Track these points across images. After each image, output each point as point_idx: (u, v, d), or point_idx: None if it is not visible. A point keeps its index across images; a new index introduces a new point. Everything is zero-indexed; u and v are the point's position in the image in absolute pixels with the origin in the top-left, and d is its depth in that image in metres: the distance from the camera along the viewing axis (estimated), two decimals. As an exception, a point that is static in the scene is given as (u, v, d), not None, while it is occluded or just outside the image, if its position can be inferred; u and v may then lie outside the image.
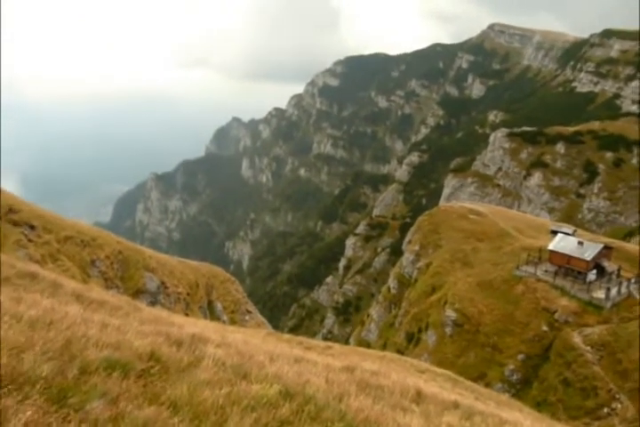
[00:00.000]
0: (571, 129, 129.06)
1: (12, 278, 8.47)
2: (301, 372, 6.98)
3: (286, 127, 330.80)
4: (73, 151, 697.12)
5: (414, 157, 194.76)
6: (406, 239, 78.48)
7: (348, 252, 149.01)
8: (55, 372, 3.81)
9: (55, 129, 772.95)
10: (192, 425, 3.84)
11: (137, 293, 38.34)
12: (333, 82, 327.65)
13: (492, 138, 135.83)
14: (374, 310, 76.72)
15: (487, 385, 38.40)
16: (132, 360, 4.60)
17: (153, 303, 36.67)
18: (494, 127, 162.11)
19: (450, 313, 50.34)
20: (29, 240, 33.98)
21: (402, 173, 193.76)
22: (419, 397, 8.03)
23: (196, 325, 13.21)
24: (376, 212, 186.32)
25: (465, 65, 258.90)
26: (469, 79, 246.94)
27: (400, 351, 49.97)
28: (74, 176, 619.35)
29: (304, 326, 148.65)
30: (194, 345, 6.08)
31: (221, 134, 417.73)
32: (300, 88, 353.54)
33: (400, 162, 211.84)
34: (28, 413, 3.04)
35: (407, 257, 72.11)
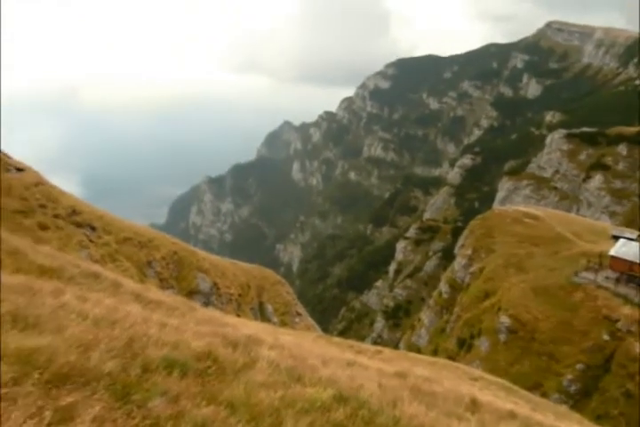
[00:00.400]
0: (633, 129, 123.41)
1: (77, 278, 8.84)
2: (354, 376, 6.96)
3: (337, 130, 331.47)
4: (130, 154, 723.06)
5: (467, 160, 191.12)
6: (458, 243, 77.06)
7: (399, 255, 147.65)
8: (119, 369, 3.95)
9: (113, 132, 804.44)
10: (249, 426, 3.90)
11: (190, 293, 39.25)
12: (384, 84, 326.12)
13: (548, 139, 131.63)
14: (425, 315, 75.68)
15: (543, 395, 37.14)
16: (190, 360, 4.71)
17: (206, 304, 37.46)
18: (551, 128, 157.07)
19: (503, 319, 49.03)
20: (90, 241, 35.38)
21: (454, 175, 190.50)
22: (473, 405, 7.86)
23: (248, 326, 13.39)
24: (427, 215, 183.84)
25: (520, 64, 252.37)
26: (525, 79, 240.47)
27: (451, 357, 49.03)
28: (131, 178, 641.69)
29: (353, 329, 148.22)
30: (248, 346, 6.16)
31: (273, 138, 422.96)
32: (350, 91, 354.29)
33: (452, 165, 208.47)
34: (97, 408, 3.17)
35: (459, 261, 70.77)
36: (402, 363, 16.11)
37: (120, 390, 3.65)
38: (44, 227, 31.19)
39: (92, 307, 5.60)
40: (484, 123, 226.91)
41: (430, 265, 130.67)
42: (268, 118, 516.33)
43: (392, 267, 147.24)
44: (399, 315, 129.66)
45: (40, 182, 36.88)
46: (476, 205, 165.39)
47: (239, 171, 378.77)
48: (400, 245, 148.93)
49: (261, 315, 48.43)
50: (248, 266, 57.39)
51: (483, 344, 50.77)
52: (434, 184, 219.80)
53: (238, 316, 38.78)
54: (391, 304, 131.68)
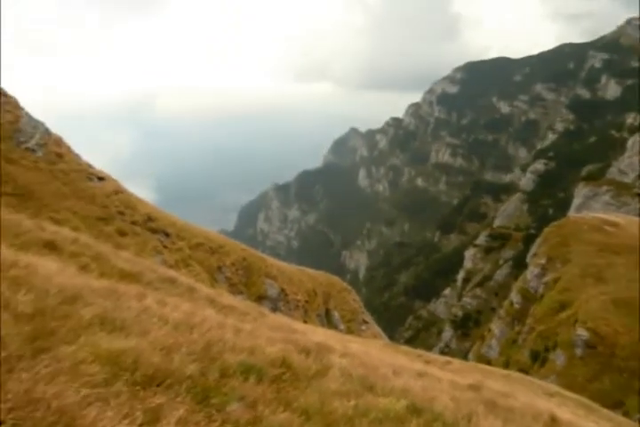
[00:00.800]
0: None
1: (155, 282, 9.23)
2: (426, 387, 6.84)
3: (403, 136, 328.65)
4: (200, 161, 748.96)
5: (540, 165, 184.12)
6: (531, 252, 74.18)
7: (468, 263, 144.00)
8: (199, 373, 4.08)
9: (184, 139, 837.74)
10: (324, 434, 3.92)
11: (259, 298, 39.97)
12: (452, 89, 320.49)
13: (630, 142, 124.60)
14: (495, 326, 73.23)
15: (625, 415, 34.96)
16: (265, 366, 4.79)
17: (273, 310, 38.02)
18: (632, 131, 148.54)
19: (581, 333, 46.64)
20: (164, 246, 36.81)
21: (526, 181, 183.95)
22: (553, 423, 7.52)
23: (316, 333, 13.47)
24: (497, 222, 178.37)
25: (598, 64, 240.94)
26: (603, 79, 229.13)
27: (524, 371, 47.10)
28: (201, 185, 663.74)
29: (420, 338, 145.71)
30: (320, 354, 6.20)
31: (339, 145, 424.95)
32: (417, 97, 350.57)
33: (524, 170, 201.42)
34: (181, 410, 3.29)
35: (532, 271, 68.10)
36: (473, 375, 15.66)
37: (200, 394, 3.77)
38: (122, 233, 32.75)
39: (171, 311, 5.83)
40: (560, 126, 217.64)
41: (501, 274, 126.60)
42: (334, 125, 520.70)
43: (460, 275, 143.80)
44: (468, 325, 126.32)
45: (119, 191, 38.82)
46: (550, 212, 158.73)
47: (306, 178, 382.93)
48: (469, 252, 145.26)
49: (328, 322, 48.57)
50: (314, 273, 57.77)
51: (558, 358, 48.49)
52: (505, 190, 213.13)
53: (305, 322, 39.08)
54: (460, 314, 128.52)
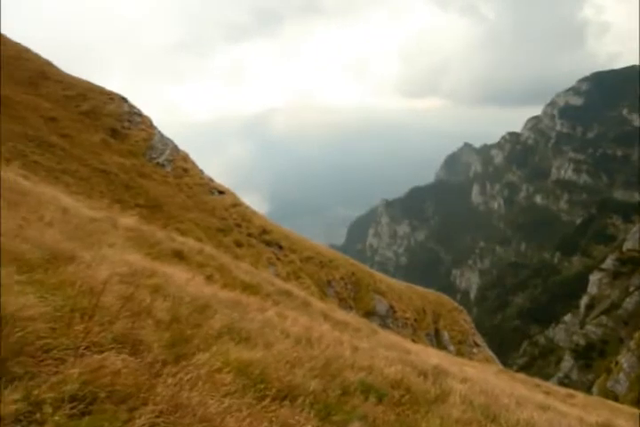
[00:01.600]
0: None
1: (273, 295, 9.54)
2: (551, 421, 6.38)
3: (521, 152, 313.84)
4: (313, 176, 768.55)
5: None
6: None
7: (592, 289, 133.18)
8: (320, 389, 4.13)
9: (297, 154, 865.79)
10: (447, 464, 3.78)
11: (367, 314, 39.81)
12: (577, 101, 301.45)
13: None
14: (624, 358, 66.98)
15: None
16: (384, 386, 4.74)
17: (382, 326, 37.65)
18: None
19: None
20: (277, 259, 38.00)
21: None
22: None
23: (428, 353, 13.12)
24: (628, 245, 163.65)
25: None
26: None
27: (658, 411, 42.37)
28: (313, 199, 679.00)
29: (536, 365, 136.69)
30: (438, 377, 6.02)
31: (451, 161, 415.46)
32: (536, 111, 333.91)
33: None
34: (308, 426, 3.34)
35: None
36: (601, 412, 14.39)
37: (323, 410, 3.81)
38: (239, 244, 34.33)
39: (292, 325, 5.98)
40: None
41: (631, 302, 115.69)
42: (446, 140, 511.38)
43: (584, 301, 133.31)
44: (592, 355, 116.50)
45: (237, 204, 40.83)
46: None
47: (416, 194, 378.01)
48: (594, 276, 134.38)
49: (437, 342, 47.17)
50: (424, 290, 56.57)
51: (700, 399, 43.14)
52: (637, 210, 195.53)
53: (414, 341, 38.25)
54: (582, 342, 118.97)
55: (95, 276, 4.43)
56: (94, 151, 31.79)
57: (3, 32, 37.78)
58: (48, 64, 37.59)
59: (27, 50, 37.41)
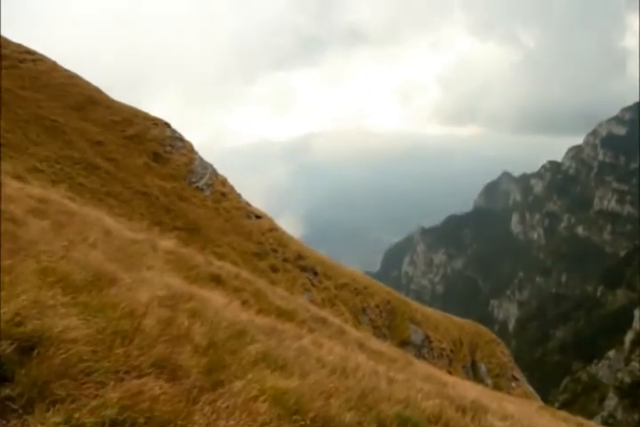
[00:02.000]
0: None
1: (308, 321, 9.47)
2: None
3: (562, 181, 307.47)
4: (349, 202, 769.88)
5: None
6: None
7: (637, 324, 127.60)
8: (356, 421, 4.04)
9: (335, 179, 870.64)
10: None
11: (402, 344, 39.04)
12: (620, 131, 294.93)
13: None
14: (674, 399, 63.44)
15: None
16: (421, 420, 4.60)
17: (417, 356, 36.81)
18: None
19: None
20: (312, 284, 37.89)
21: None
22: None
23: (464, 386, 12.73)
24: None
25: None
26: None
27: None
28: (349, 225, 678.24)
29: (579, 402, 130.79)
30: (477, 413, 5.82)
31: (491, 189, 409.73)
32: (577, 140, 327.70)
33: None
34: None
35: None
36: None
37: (358, 444, 3.71)
38: (275, 269, 34.42)
39: (327, 354, 5.90)
40: None
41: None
42: (486, 169, 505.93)
43: (629, 336, 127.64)
44: (638, 393, 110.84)
45: (273, 228, 41.11)
46: None
47: (454, 221, 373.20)
48: (639, 312, 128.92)
49: (474, 375, 45.79)
50: (461, 320, 55.32)
51: None
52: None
53: (449, 373, 37.19)
54: (627, 380, 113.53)
55: (136, 298, 4.49)
56: (137, 174, 32.74)
57: (58, 57, 39.84)
58: (97, 91, 39.21)
59: (77, 76, 39.15)
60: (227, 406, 3.08)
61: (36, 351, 2.92)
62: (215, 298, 7.13)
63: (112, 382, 2.92)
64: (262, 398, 3.50)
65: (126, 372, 3.09)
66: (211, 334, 4.63)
